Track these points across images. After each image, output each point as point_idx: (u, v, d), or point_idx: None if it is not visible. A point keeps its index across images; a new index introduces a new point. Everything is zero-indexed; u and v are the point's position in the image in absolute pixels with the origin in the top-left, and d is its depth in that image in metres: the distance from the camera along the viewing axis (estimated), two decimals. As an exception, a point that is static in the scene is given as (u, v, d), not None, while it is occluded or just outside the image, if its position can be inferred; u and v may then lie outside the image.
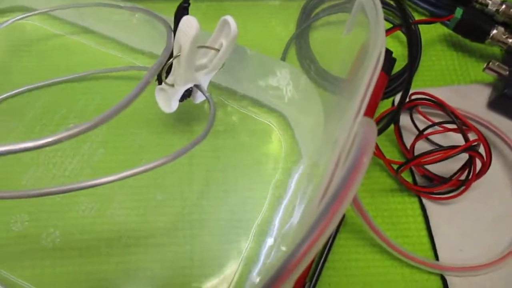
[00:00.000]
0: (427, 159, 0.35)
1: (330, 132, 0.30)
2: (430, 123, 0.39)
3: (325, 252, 0.36)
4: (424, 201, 0.40)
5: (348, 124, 0.20)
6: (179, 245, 0.36)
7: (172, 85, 0.35)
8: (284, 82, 0.39)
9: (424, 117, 0.40)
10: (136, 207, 0.37)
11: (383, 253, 0.38)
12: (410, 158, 0.38)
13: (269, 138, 0.41)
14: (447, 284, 0.37)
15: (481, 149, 0.36)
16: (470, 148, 0.34)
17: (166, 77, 0.35)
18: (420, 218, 0.40)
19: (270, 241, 0.36)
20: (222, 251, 0.35)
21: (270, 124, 0.41)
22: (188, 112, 0.40)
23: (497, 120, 0.43)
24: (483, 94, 0.44)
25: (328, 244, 0.36)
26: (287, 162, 0.39)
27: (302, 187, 0.37)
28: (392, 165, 0.40)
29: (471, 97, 0.44)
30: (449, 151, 0.34)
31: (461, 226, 0.39)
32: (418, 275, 0.38)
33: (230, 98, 0.41)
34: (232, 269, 0.34)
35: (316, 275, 0.35)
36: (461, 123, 0.35)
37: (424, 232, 0.39)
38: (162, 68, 0.34)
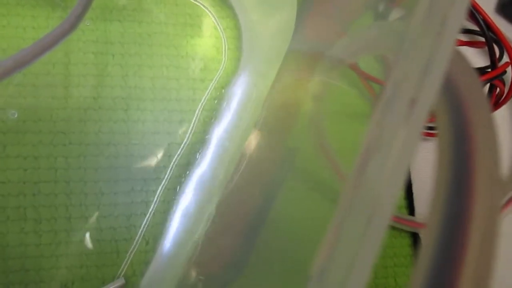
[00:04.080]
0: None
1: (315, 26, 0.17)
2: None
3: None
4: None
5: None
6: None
7: None
8: None
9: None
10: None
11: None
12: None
13: (199, 30, 0.26)
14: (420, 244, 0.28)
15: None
16: (498, 76, 0.23)
17: None
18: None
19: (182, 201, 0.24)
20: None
21: (202, 7, 0.25)
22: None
23: (506, 29, 0.32)
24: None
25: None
26: (226, 72, 0.25)
27: (245, 119, 0.24)
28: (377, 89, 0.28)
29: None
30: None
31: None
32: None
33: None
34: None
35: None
36: (492, 38, 0.23)
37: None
38: None
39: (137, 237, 0.24)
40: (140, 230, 0.24)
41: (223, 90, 0.26)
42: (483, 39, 0.24)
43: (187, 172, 0.25)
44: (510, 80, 0.25)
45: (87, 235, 0.24)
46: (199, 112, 0.25)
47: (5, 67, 0.14)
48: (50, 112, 0.24)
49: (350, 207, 0.09)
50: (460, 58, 0.10)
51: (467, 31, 0.25)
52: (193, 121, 0.25)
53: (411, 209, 0.29)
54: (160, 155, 0.25)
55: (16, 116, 0.24)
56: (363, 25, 0.21)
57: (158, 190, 0.24)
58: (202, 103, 0.25)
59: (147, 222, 0.24)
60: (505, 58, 0.25)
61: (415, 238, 0.29)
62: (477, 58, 0.26)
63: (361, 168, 0.10)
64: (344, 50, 0.18)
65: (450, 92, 0.09)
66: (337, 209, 0.10)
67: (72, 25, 0.17)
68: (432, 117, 0.26)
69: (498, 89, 0.25)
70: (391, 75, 0.10)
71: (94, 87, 0.25)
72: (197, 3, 0.26)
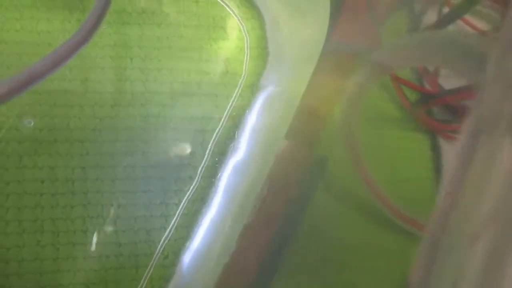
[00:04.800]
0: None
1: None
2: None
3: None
4: (442, 142, 0.27)
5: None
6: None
7: None
8: None
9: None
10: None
11: (373, 214, 0.27)
12: (442, 92, 0.24)
13: (221, 32, 0.24)
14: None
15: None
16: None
17: None
18: (430, 165, 0.28)
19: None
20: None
21: (228, 9, 0.24)
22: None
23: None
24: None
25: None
26: (251, 77, 0.24)
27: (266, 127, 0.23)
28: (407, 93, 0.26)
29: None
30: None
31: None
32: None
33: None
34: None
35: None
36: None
37: (431, 184, 0.28)
38: None
39: (156, 252, 0.23)
40: (160, 245, 0.23)
41: (248, 96, 0.24)
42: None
43: (212, 184, 0.23)
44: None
45: (106, 249, 0.23)
46: (224, 120, 0.24)
47: (20, 81, 0.13)
48: (67, 120, 0.23)
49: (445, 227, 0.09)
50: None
51: None
52: (217, 129, 0.24)
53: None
54: (181, 165, 0.24)
55: (32, 124, 0.23)
56: (419, 34, 0.19)
57: (182, 203, 0.23)
58: (227, 110, 0.24)
59: (168, 237, 0.23)
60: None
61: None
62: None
63: (454, 187, 0.09)
64: (396, 57, 0.17)
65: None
66: (430, 225, 0.09)
67: (89, 33, 0.16)
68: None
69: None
70: (480, 98, 0.09)
71: (111, 93, 0.24)
72: (221, 2, 0.24)
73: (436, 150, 0.28)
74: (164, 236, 0.23)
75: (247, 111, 0.24)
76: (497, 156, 0.09)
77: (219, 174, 0.23)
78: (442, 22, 0.20)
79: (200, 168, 0.23)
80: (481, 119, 0.10)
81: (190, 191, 0.23)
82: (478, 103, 0.10)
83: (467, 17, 0.25)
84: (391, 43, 0.16)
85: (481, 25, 0.26)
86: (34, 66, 0.13)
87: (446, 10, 0.26)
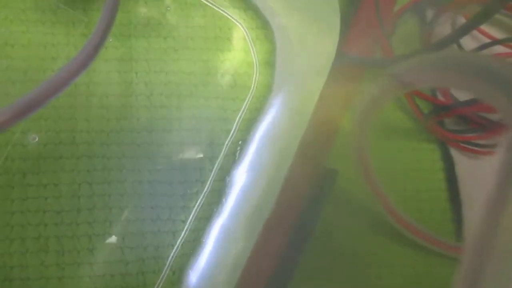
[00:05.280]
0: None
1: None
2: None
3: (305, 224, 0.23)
4: (454, 152, 0.27)
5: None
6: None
7: None
8: None
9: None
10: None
11: (378, 224, 0.26)
12: (455, 103, 0.24)
13: (229, 44, 0.24)
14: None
15: None
16: None
17: None
18: (441, 175, 0.27)
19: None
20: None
21: (234, 21, 0.23)
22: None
23: None
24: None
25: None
26: (259, 90, 0.23)
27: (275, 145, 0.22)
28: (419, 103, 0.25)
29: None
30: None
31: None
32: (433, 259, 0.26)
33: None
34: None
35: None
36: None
37: (443, 195, 0.27)
38: None
39: (165, 269, 0.22)
40: (168, 261, 0.22)
41: (257, 109, 0.24)
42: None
43: (220, 199, 0.23)
44: None
45: (112, 268, 0.22)
46: (233, 134, 0.23)
47: (21, 107, 0.13)
48: (72, 134, 0.23)
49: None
50: None
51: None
52: (226, 143, 0.23)
53: (459, 233, 0.27)
54: (187, 181, 0.23)
55: (36, 140, 0.22)
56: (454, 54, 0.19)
57: (189, 219, 0.23)
58: (236, 124, 0.23)
59: (176, 253, 0.22)
60: None
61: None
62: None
63: (497, 205, 0.09)
64: (419, 76, 0.16)
65: None
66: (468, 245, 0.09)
67: (95, 50, 0.15)
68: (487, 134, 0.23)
69: None
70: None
71: (117, 107, 0.23)
72: (226, 14, 0.24)
73: (447, 161, 0.27)
74: (172, 252, 0.22)
75: (256, 124, 0.24)
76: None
77: (228, 189, 0.23)
78: (458, 32, 0.20)
79: (208, 182, 0.23)
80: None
81: (196, 207, 0.23)
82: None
83: (484, 27, 0.25)
84: (415, 60, 0.16)
85: (500, 34, 0.26)
86: (40, 87, 0.13)
87: (459, 18, 0.26)
